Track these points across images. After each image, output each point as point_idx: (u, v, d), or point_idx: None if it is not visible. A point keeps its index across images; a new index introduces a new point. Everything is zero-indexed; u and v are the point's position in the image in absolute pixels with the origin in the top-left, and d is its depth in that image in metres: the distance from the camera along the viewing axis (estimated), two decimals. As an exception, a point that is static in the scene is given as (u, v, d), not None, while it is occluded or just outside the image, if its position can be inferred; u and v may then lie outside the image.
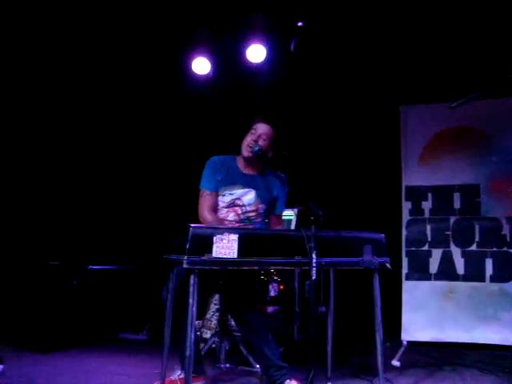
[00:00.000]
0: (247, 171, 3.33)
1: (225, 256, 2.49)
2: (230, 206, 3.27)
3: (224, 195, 3.26)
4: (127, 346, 4.78)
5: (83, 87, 5.65)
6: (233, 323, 4.07)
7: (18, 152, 5.47)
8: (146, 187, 6.08)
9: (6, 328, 4.73)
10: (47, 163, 5.67)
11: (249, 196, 3.28)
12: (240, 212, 3.27)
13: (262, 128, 3.26)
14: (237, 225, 3.22)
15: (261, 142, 3.23)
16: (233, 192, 3.26)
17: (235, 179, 3.28)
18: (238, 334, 3.80)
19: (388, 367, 3.89)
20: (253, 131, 3.26)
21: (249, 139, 3.25)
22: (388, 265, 2.95)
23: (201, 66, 5.50)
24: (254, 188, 3.29)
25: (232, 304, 3.19)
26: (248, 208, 3.28)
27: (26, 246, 5.31)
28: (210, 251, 2.47)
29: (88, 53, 5.27)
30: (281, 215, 3.36)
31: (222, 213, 3.28)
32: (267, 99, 5.51)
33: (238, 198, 3.27)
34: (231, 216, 3.27)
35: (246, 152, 3.23)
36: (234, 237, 2.52)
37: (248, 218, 3.29)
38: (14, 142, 5.44)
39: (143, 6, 4.82)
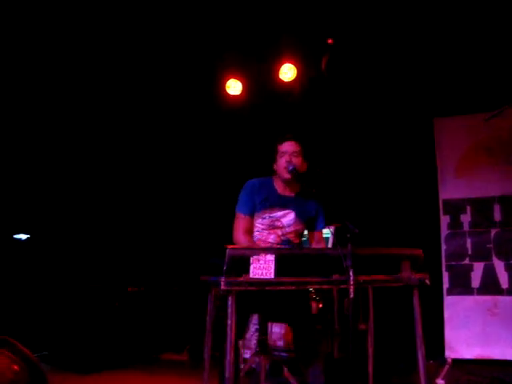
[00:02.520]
0: (285, 193, 3.34)
1: (262, 276, 2.50)
2: (271, 228, 3.28)
3: (264, 218, 3.28)
4: (168, 366, 4.82)
5: (118, 109, 5.82)
6: (272, 342, 4.07)
7: (61, 176, 5.66)
8: (185, 209, 6.16)
9: (50, 349, 4.84)
10: (86, 188, 5.83)
11: (288, 217, 3.29)
12: (280, 234, 3.28)
13: (289, 147, 3.27)
14: (277, 247, 3.23)
15: (294, 160, 3.25)
16: (272, 214, 3.27)
17: (274, 201, 3.29)
18: (278, 353, 3.79)
19: (432, 386, 3.81)
20: (282, 154, 3.28)
21: (283, 161, 3.25)
22: (427, 281, 2.90)
23: (233, 87, 5.60)
24: (292, 209, 3.31)
25: (294, 323, 3.19)
26: (287, 229, 3.29)
27: (69, 269, 5.44)
28: (247, 272, 2.49)
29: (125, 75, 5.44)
30: (321, 231, 3.39)
31: (263, 234, 3.29)
32: (300, 117, 5.54)
33: (278, 220, 3.27)
34: (271, 238, 3.28)
35: (285, 174, 3.24)
36: (271, 257, 2.53)
37: (288, 240, 3.30)
38: (57, 167, 5.63)
39: (177, 28, 4.95)
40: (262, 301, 3.08)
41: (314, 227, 3.41)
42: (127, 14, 4.66)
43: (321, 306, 4.26)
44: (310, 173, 3.49)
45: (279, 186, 3.34)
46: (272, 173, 3.39)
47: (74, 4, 4.42)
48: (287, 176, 3.23)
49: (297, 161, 3.26)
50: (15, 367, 2.89)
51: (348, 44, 4.99)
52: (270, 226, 3.27)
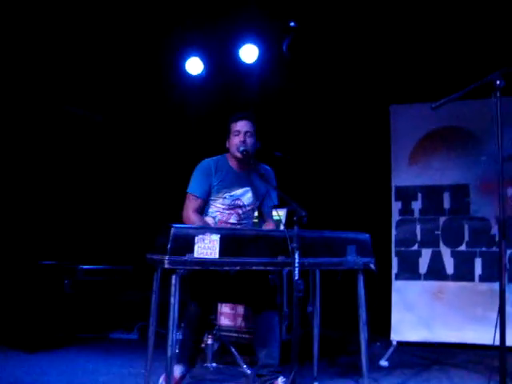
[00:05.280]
0: (240, 170, 3.36)
1: (206, 256, 2.50)
2: (232, 208, 3.31)
3: (225, 198, 3.29)
4: (117, 345, 4.78)
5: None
6: (221, 323, 4.09)
7: (13, 152, 5.49)
8: (138, 187, 6.09)
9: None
10: (41, 164, 5.68)
11: (247, 195, 3.35)
12: (241, 212, 3.34)
13: (243, 126, 3.28)
14: (238, 227, 3.27)
15: (248, 140, 3.26)
16: (232, 193, 3.30)
17: (233, 180, 3.31)
18: (227, 333, 3.82)
19: (376, 367, 3.90)
20: (236, 132, 3.27)
21: (236, 141, 3.26)
22: (372, 265, 2.95)
23: (194, 65, 5.55)
24: (250, 186, 3.35)
25: (255, 304, 3.25)
26: (248, 208, 3.36)
27: (18, 246, 5.31)
28: (192, 251, 2.48)
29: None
30: (270, 210, 3.46)
31: (224, 215, 3.31)
32: (259, 99, 5.52)
33: (238, 199, 3.32)
34: (233, 218, 3.32)
35: (239, 154, 3.25)
36: (216, 237, 2.52)
37: (247, 217, 3.37)
38: (11, 144, 5.45)
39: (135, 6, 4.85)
40: (218, 282, 3.09)
41: (263, 206, 3.45)
42: None
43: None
44: (264, 153, 3.50)
45: (234, 164, 3.35)
46: (224, 150, 3.38)
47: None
48: (240, 155, 3.24)
49: (250, 141, 3.27)
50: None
51: (308, 28, 4.98)
52: (230, 205, 3.30)
